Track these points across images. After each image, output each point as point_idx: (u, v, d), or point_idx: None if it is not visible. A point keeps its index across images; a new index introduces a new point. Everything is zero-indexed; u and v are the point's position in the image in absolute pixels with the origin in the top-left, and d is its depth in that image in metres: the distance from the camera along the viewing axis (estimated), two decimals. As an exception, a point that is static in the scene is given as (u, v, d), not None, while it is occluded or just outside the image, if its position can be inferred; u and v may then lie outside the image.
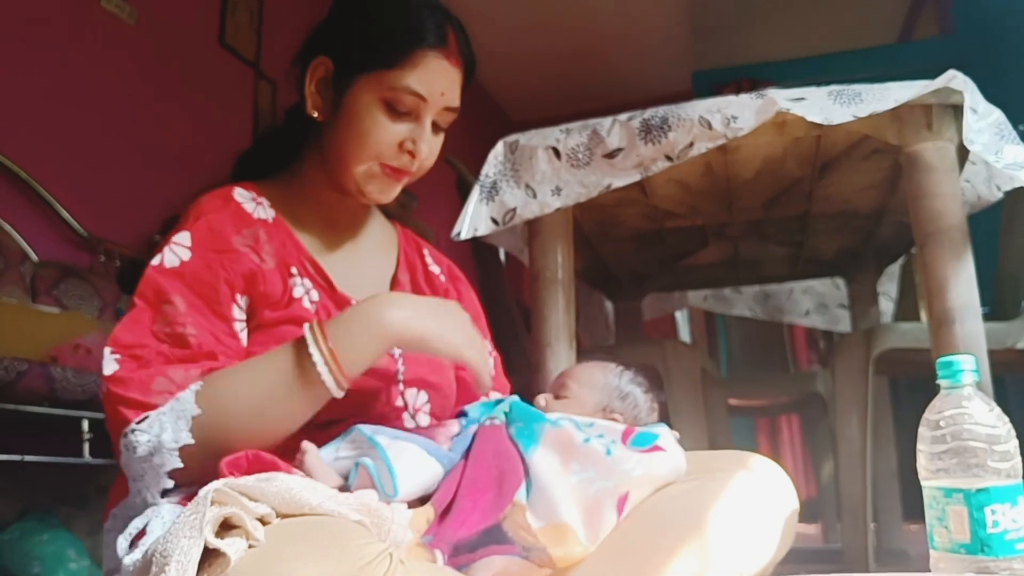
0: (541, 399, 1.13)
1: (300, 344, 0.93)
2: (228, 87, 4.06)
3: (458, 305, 1.06)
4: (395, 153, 1.08)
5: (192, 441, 0.89)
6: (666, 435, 1.01)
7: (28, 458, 2.37)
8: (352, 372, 0.94)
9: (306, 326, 0.95)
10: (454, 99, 1.10)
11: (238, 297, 1.02)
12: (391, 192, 1.13)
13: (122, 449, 0.91)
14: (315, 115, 1.09)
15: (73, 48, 3.20)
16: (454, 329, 1.00)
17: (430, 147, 1.10)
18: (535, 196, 1.67)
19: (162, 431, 0.88)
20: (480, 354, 1.03)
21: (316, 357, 0.92)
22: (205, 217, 1.03)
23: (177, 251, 1.00)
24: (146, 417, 0.90)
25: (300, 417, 0.95)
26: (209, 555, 0.70)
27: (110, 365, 0.92)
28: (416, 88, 1.05)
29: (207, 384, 0.92)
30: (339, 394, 0.94)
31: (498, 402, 1.09)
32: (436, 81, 1.07)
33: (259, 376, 0.94)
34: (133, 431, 0.89)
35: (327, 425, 1.01)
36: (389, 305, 0.98)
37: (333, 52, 1.09)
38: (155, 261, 0.99)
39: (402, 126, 1.07)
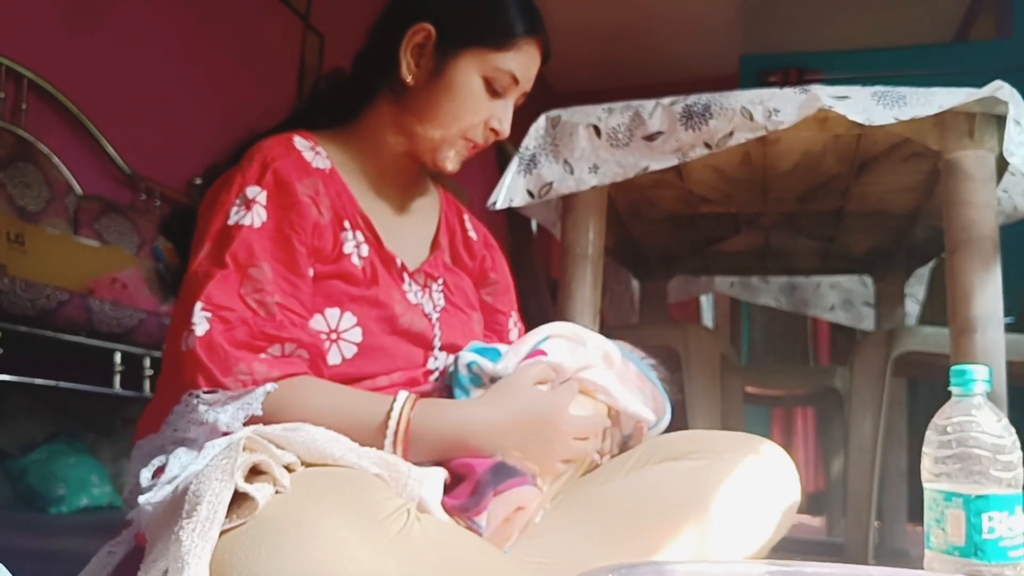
0: None
1: (387, 405, 0.95)
2: (277, 37, 4.09)
3: (555, 417, 1.00)
4: (481, 130, 1.12)
5: None
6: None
7: (62, 384, 2.45)
8: (413, 459, 0.94)
9: (402, 396, 0.95)
10: (531, 83, 1.15)
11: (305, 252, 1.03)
12: (460, 162, 1.16)
13: (180, 403, 0.93)
14: (409, 80, 1.10)
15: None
16: (535, 454, 0.98)
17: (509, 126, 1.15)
18: (572, 172, 1.69)
19: (221, 413, 0.90)
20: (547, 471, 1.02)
21: (390, 430, 0.93)
22: (272, 168, 1.02)
23: (258, 210, 1.00)
24: (215, 391, 0.91)
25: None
26: (238, 498, 0.74)
27: (201, 323, 0.92)
28: (516, 72, 1.10)
29: (282, 390, 0.93)
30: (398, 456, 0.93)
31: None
32: (531, 67, 1.12)
33: (337, 407, 0.95)
34: (198, 396, 0.91)
35: (359, 383, 1.04)
36: (483, 425, 0.97)
37: (439, 21, 1.09)
38: (246, 220, 0.98)
39: (494, 105, 1.11)
